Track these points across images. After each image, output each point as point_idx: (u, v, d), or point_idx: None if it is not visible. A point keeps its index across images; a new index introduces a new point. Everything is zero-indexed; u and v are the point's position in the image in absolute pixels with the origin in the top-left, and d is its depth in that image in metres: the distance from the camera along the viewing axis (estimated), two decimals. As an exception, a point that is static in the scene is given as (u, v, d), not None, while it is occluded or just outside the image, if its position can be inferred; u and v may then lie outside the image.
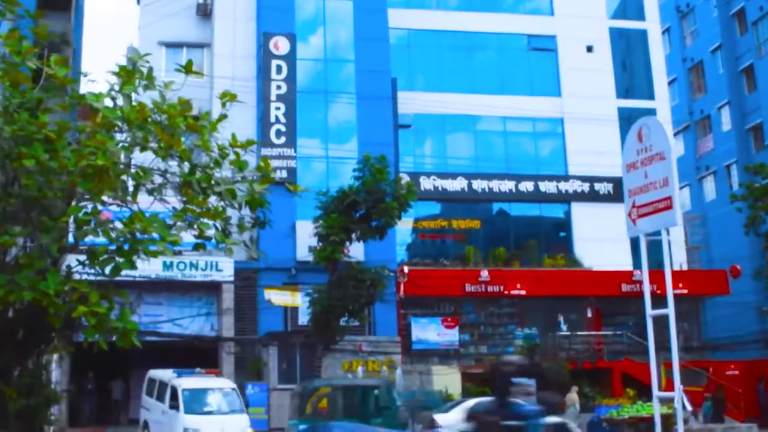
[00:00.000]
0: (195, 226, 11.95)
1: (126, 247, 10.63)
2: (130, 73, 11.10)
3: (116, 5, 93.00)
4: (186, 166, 11.96)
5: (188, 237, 11.96)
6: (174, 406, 24.50)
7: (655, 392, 13.88)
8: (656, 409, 13.98)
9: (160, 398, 25.44)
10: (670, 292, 13.83)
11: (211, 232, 12.21)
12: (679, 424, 13.36)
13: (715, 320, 43.46)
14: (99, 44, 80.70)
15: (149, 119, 11.67)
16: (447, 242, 36.94)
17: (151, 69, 12.05)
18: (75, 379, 32.04)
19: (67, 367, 30.17)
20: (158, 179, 11.84)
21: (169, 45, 35.92)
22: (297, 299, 29.43)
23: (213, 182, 12.04)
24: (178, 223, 11.64)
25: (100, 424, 33.24)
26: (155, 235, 10.50)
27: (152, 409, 26.27)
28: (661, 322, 37.30)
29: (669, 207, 13.64)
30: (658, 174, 13.89)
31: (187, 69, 12.25)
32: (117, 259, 10.55)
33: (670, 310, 13.62)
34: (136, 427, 31.68)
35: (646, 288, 14.50)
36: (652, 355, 14.23)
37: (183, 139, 12.06)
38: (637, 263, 36.75)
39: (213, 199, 11.84)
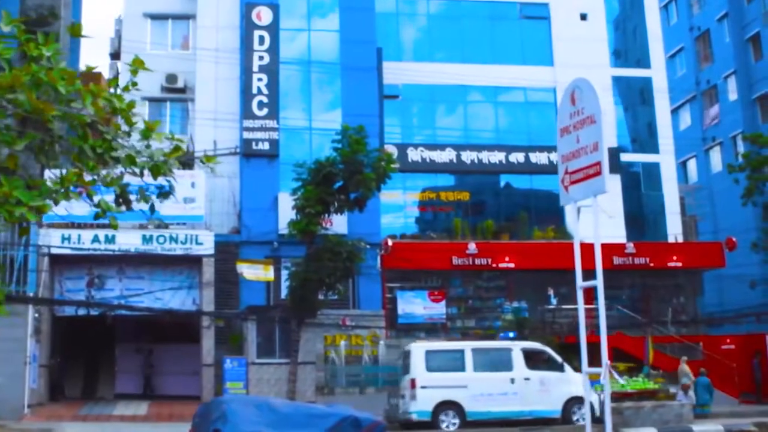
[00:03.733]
0: (86, 194, 11.45)
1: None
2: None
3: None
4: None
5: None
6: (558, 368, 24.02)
7: (584, 368, 13.29)
8: (586, 386, 13.38)
9: (491, 368, 23.72)
10: (599, 263, 13.26)
11: (109, 198, 11.75)
12: (606, 400, 12.78)
13: (718, 293, 42.67)
14: (88, 17, 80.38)
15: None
16: (435, 214, 36.39)
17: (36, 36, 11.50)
18: (56, 354, 31.85)
19: (46, 341, 30.00)
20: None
21: (154, 17, 35.47)
22: (270, 273, 28.97)
23: (111, 148, 11.51)
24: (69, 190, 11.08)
25: (87, 399, 33.07)
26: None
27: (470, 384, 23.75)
28: (657, 297, 36.58)
29: (598, 173, 13.00)
30: (589, 138, 13.26)
31: (75, 33, 11.68)
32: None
33: (599, 282, 13.06)
34: (122, 401, 31.55)
35: (577, 259, 13.93)
36: (582, 324, 13.62)
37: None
38: (630, 236, 36.06)
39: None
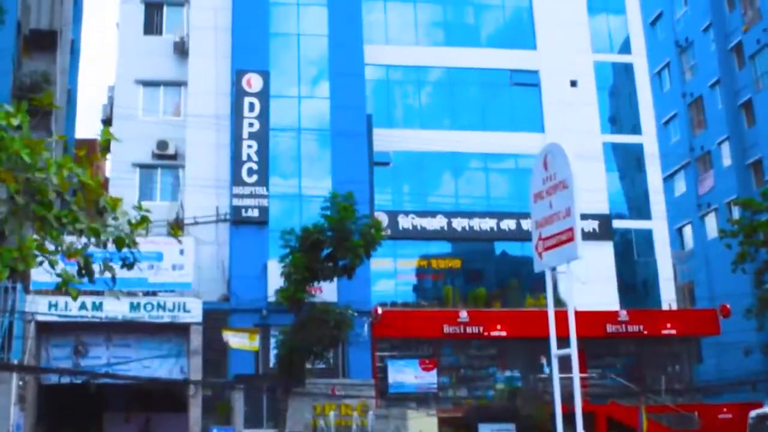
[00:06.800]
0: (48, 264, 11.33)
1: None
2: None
3: (97, 43, 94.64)
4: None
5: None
6: None
7: (560, 438, 12.98)
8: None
9: None
10: (573, 332, 12.97)
11: (72, 270, 11.63)
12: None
13: (716, 361, 42.20)
14: (82, 84, 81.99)
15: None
16: (426, 282, 36.15)
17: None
18: (43, 422, 31.37)
19: (32, 409, 29.58)
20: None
21: (147, 83, 35.56)
22: (255, 342, 28.68)
23: (76, 220, 11.42)
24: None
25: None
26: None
27: None
28: (652, 365, 36.06)
29: (571, 239, 12.81)
30: (561, 204, 13.11)
31: (45, 102, 11.73)
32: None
33: (573, 351, 12.75)
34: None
35: (552, 326, 13.64)
36: (557, 394, 13.31)
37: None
38: (624, 303, 35.71)
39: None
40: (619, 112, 40.06)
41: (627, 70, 39.95)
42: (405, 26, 38.30)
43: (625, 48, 40.12)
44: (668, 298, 36.61)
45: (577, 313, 35.57)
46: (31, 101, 11.64)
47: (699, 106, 50.64)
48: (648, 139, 38.77)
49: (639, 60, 39.69)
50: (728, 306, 34.39)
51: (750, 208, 35.11)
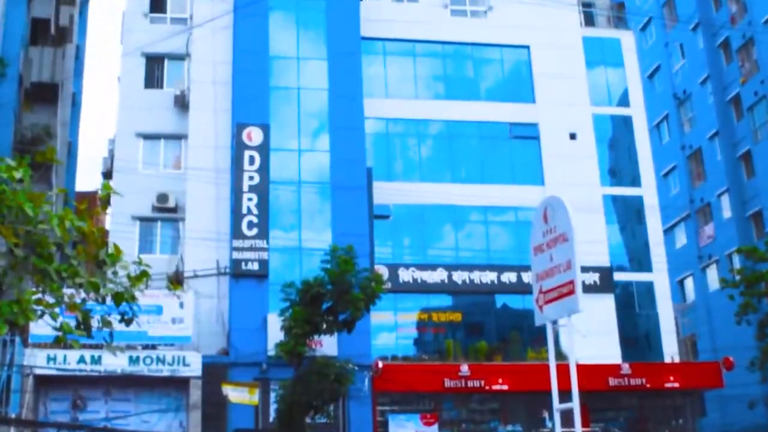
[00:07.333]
0: (49, 317, 11.31)
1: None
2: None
3: (98, 96, 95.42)
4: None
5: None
6: None
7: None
8: None
9: None
10: (575, 385, 12.87)
11: (72, 323, 11.61)
12: None
13: (720, 414, 41.91)
14: (84, 135, 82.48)
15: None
16: (427, 335, 35.96)
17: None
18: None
19: (28, 466, 29.29)
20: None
21: (147, 136, 35.63)
22: (255, 396, 28.42)
23: (76, 274, 11.42)
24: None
25: None
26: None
27: None
28: (655, 418, 35.82)
29: (572, 292, 12.76)
30: (562, 257, 13.07)
31: (49, 156, 11.78)
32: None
33: (575, 404, 12.63)
34: None
35: (554, 380, 13.53)
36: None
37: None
38: (626, 356, 35.50)
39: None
40: (619, 164, 40.15)
41: (626, 122, 40.11)
42: (405, 80, 38.57)
43: (624, 101, 40.35)
44: (670, 351, 36.40)
45: (579, 367, 35.45)
46: (35, 156, 11.71)
47: (698, 158, 50.84)
48: (648, 191, 38.85)
49: (638, 112, 39.94)
50: (731, 359, 34.18)
51: (753, 256, 35.07)
